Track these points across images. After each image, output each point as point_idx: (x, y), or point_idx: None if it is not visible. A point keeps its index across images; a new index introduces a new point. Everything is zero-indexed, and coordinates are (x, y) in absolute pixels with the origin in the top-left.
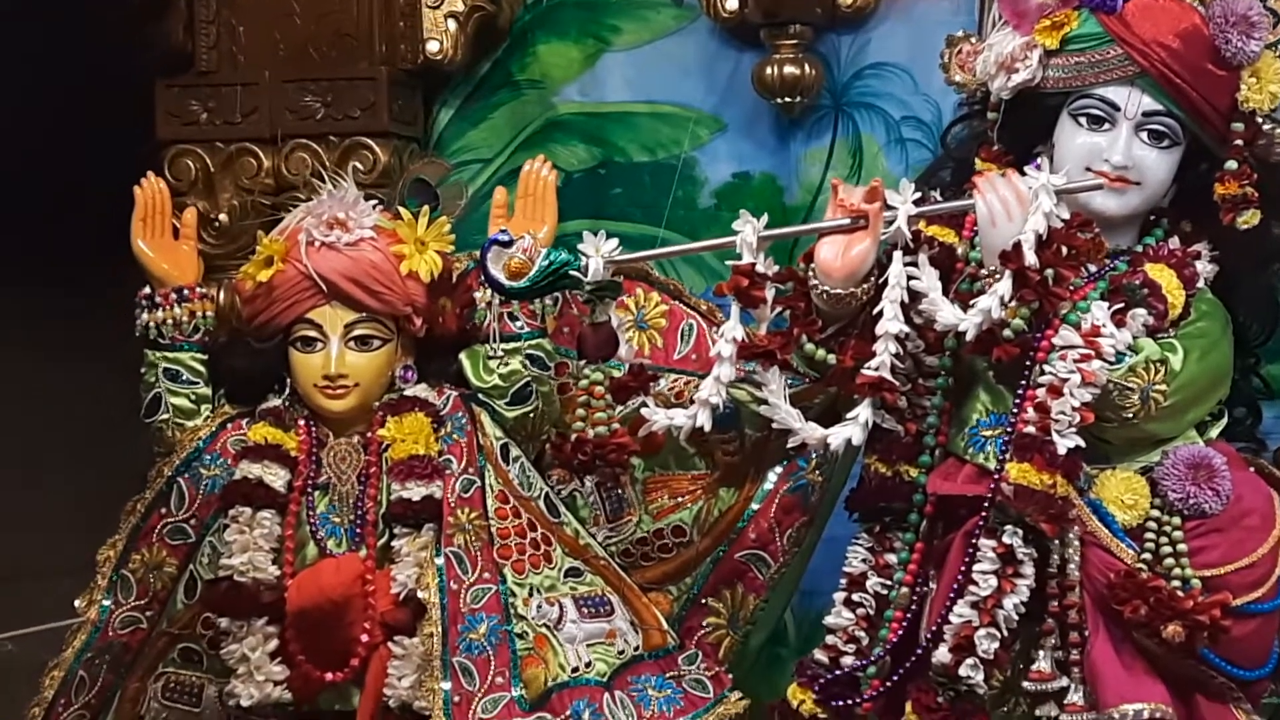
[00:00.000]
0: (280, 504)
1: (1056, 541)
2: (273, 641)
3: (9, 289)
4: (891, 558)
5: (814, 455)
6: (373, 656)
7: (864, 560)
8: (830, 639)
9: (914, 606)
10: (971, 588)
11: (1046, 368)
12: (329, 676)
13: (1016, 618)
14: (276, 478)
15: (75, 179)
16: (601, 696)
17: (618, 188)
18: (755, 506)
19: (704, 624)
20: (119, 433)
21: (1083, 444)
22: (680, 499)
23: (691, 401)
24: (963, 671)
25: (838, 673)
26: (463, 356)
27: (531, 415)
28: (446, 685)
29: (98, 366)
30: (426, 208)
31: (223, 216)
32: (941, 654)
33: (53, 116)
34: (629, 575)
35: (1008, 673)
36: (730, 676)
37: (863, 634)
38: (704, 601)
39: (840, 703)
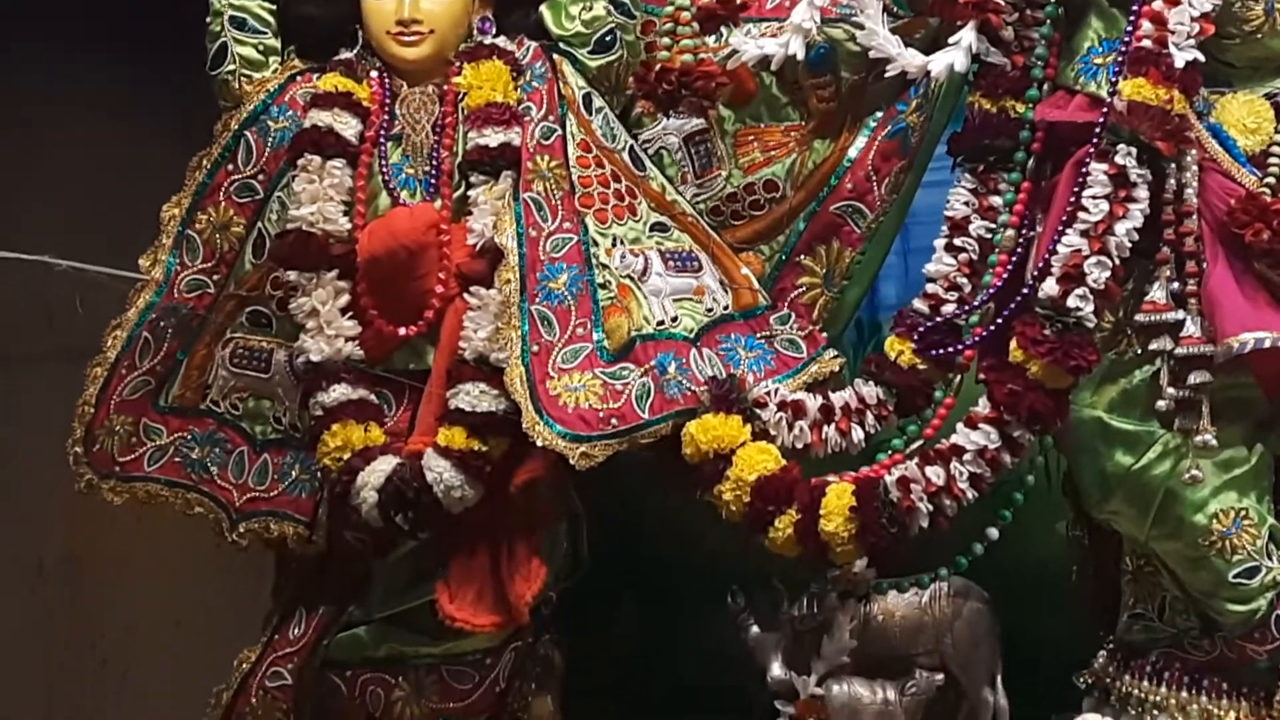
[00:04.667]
0: (351, 155)
1: (1173, 165)
2: (344, 296)
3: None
4: (996, 200)
5: (914, 94)
6: (448, 309)
7: (966, 203)
8: (930, 287)
9: (1019, 250)
10: (1081, 214)
11: None
12: (402, 331)
13: (1129, 245)
14: (347, 126)
15: None
16: (688, 352)
17: None
18: (852, 155)
19: (797, 284)
20: None
21: (1201, 58)
22: (772, 152)
23: None
24: (1071, 302)
25: (938, 320)
26: (543, 8)
27: (615, 65)
28: (523, 325)
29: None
30: None
31: None
32: (1049, 286)
33: None
34: (719, 235)
35: (1120, 312)
36: (825, 335)
37: (965, 280)
38: (797, 260)
39: (940, 351)
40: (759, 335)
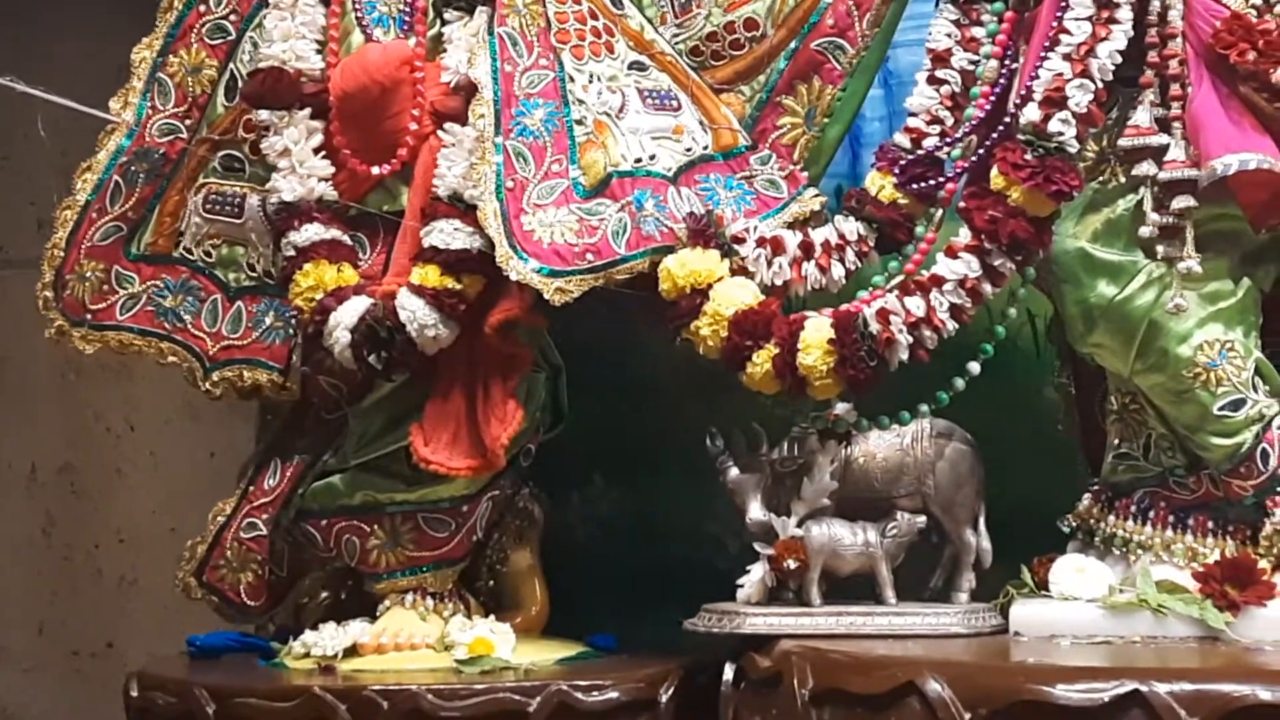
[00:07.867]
0: None
1: None
2: (317, 136)
3: None
4: (979, 31)
5: None
6: (422, 147)
7: (949, 34)
8: (912, 121)
9: (1002, 81)
10: (1064, 37)
11: None
12: (376, 170)
13: (1112, 68)
14: None
15: None
16: (666, 190)
17: None
18: None
19: (778, 124)
20: None
21: None
22: None
23: None
24: (1052, 127)
25: (919, 154)
26: None
27: None
28: (497, 160)
29: None
30: None
31: None
32: (1030, 111)
33: None
34: (699, 75)
35: (1103, 140)
36: (805, 175)
37: (947, 114)
38: (778, 100)
39: (921, 185)
40: (739, 175)
